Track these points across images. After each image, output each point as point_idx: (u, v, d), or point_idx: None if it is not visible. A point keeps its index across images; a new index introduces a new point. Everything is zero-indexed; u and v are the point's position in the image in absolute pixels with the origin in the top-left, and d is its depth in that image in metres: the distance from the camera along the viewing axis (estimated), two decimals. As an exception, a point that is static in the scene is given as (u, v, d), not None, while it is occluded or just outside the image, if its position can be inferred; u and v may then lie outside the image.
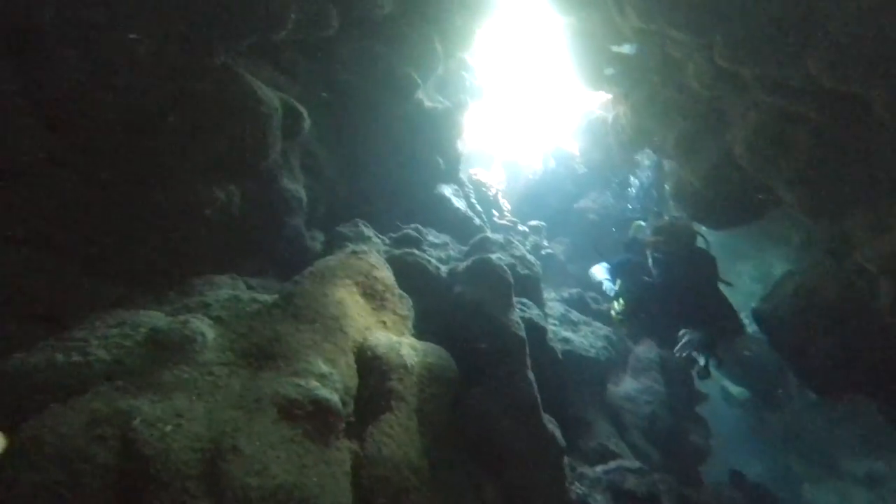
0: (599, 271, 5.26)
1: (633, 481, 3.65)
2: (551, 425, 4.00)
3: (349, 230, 4.28)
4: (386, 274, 3.53)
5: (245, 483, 2.09)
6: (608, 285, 5.11)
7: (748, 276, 9.29)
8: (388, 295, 3.44)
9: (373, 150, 5.49)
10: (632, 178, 8.81)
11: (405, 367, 3.05)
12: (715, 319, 4.40)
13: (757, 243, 8.22)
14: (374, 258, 3.54)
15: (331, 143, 4.78)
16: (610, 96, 7.41)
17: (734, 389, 10.88)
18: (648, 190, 8.36)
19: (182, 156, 3.21)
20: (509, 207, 8.93)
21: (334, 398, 2.59)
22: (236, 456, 2.14)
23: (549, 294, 8.54)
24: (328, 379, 2.67)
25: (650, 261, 4.67)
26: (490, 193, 8.18)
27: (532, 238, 8.79)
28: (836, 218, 4.03)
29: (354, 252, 3.49)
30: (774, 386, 8.27)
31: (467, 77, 6.67)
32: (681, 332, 4.34)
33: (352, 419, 2.80)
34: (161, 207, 3.12)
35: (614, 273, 5.03)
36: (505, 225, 8.48)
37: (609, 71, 5.63)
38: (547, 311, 6.46)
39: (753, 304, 6.46)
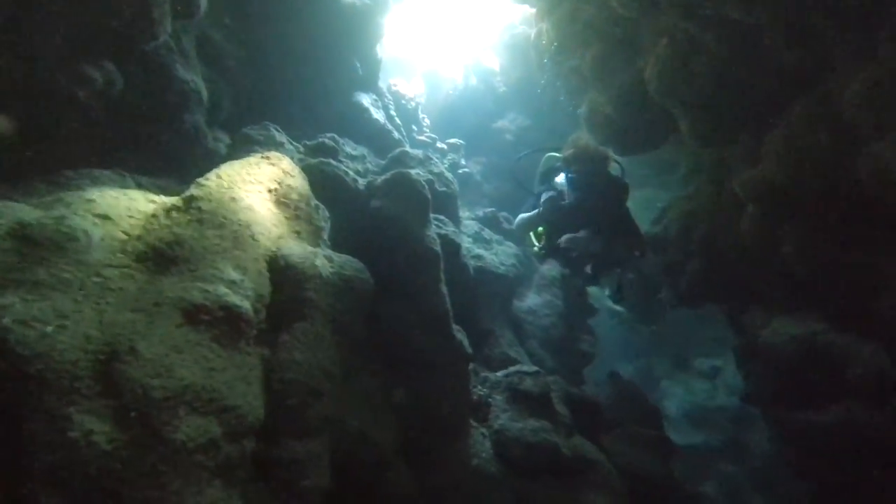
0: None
1: (529, 382, 4.04)
2: (460, 335, 4.24)
3: (258, 133, 3.96)
4: (301, 182, 3.36)
5: (147, 383, 2.02)
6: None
7: (644, 200, 10.09)
8: (302, 204, 3.30)
9: (284, 45, 4.99)
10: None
11: (320, 276, 3.01)
12: (625, 240, 4.65)
13: (652, 170, 8.80)
14: (288, 164, 3.33)
15: (234, 32, 4.25)
16: (534, 10, 7.22)
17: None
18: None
19: (47, 26, 2.70)
20: (429, 123, 8.73)
21: (245, 304, 2.52)
22: (135, 358, 2.04)
23: (464, 212, 8.72)
24: (238, 286, 2.57)
25: (565, 183, 4.78)
26: (410, 107, 7.89)
27: (450, 156, 8.76)
28: (720, 146, 4.42)
29: (266, 157, 3.26)
30: (656, 303, 9.28)
31: (390, -27, 6.13)
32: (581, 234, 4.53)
33: (264, 327, 2.77)
34: (22, 86, 2.64)
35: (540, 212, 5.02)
36: (424, 141, 8.32)
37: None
38: (462, 228, 6.63)
39: (646, 228, 7.09)
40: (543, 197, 4.95)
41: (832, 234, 3.35)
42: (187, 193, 2.81)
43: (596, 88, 5.68)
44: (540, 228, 5.18)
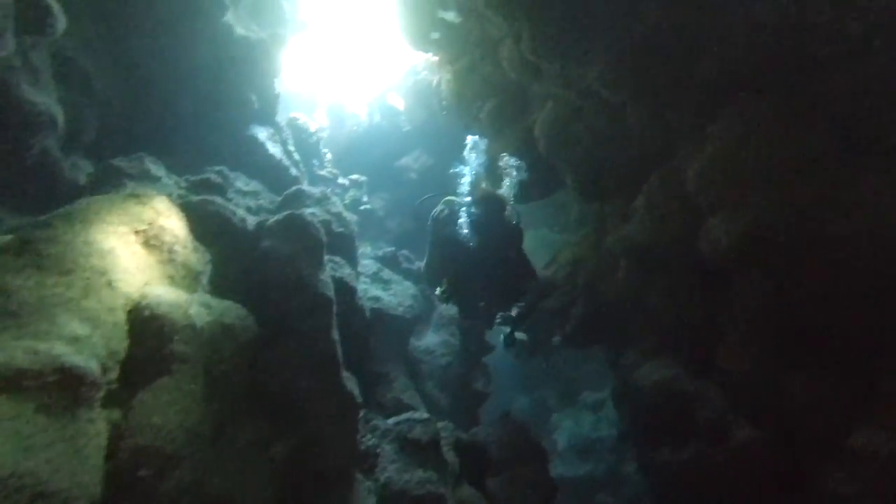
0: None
1: (418, 430, 4.00)
2: (350, 383, 4.11)
3: (130, 166, 3.63)
4: (176, 222, 3.12)
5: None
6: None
7: (539, 239, 10.70)
8: (177, 247, 3.05)
9: (172, 74, 4.69)
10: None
11: (193, 326, 2.78)
12: (520, 283, 4.84)
13: (548, 210, 9.37)
14: (161, 204, 3.09)
15: (106, 54, 3.90)
16: (436, 58, 7.53)
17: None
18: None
19: None
20: (331, 157, 8.62)
21: (90, 364, 2.24)
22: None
23: (364, 249, 8.63)
24: (84, 342, 2.29)
25: (465, 226, 4.86)
26: (311, 141, 7.75)
27: (352, 192, 8.69)
28: (599, 202, 4.87)
29: (134, 195, 2.99)
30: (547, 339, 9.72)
31: (287, 8, 6.05)
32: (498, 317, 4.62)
33: (115, 387, 2.47)
34: None
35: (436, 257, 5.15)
36: (325, 176, 8.18)
37: (435, 35, 5.70)
38: (360, 268, 6.53)
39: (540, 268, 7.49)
40: (437, 235, 5.05)
41: (687, 290, 3.78)
42: (25, 233, 2.48)
43: (493, 138, 6.01)
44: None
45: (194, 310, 2.85)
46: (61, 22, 3.10)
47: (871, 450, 2.54)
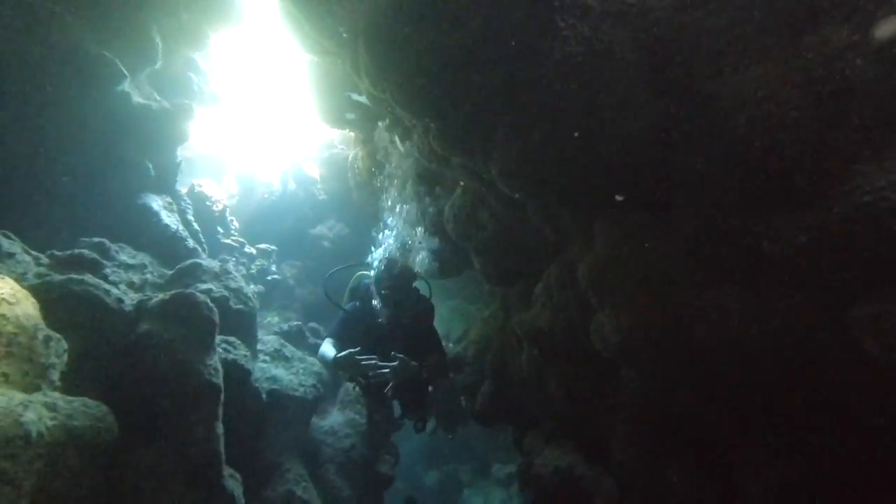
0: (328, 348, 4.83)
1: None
2: (232, 480, 3.71)
3: (-22, 240, 3.20)
4: (22, 309, 2.73)
5: None
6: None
7: (452, 310, 10.73)
8: (19, 339, 2.66)
9: (50, 139, 4.33)
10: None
11: (24, 436, 2.37)
12: (430, 358, 4.58)
13: (460, 282, 9.48)
14: (9, 287, 2.71)
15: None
16: (352, 134, 7.67)
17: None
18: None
19: None
20: (237, 225, 8.26)
21: None
22: None
23: (272, 318, 8.16)
24: None
25: (377, 300, 4.69)
26: (216, 209, 7.41)
27: (259, 261, 8.32)
28: (505, 285, 5.00)
29: (-27, 277, 2.61)
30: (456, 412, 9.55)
31: (196, 80, 5.94)
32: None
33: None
34: None
35: (339, 332, 4.75)
36: (230, 245, 7.80)
37: (350, 115, 5.82)
38: (261, 346, 6.13)
39: (450, 345, 7.45)
40: (345, 309, 4.80)
41: (581, 378, 3.89)
42: None
43: (404, 220, 6.07)
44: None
45: (31, 415, 2.45)
46: None
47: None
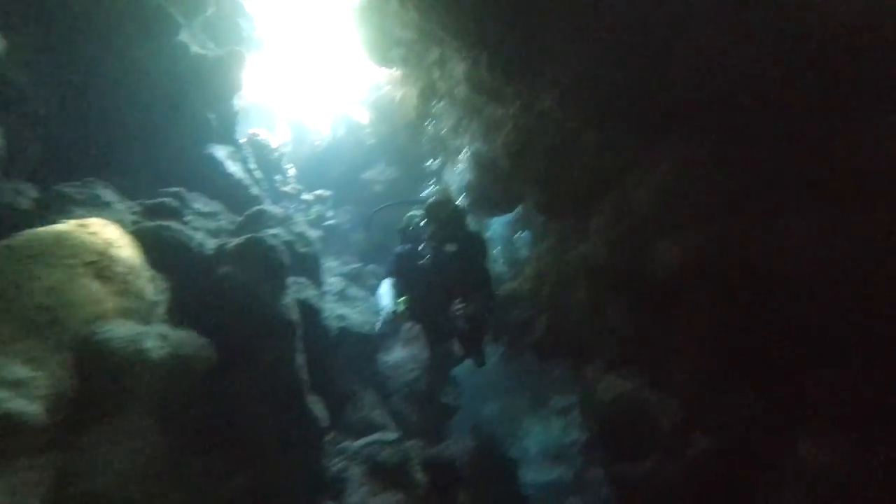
0: (385, 291, 4.84)
1: (387, 453, 3.99)
2: (316, 406, 4.06)
3: (78, 191, 3.50)
4: (129, 252, 3.02)
5: None
6: (386, 310, 4.74)
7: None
8: (130, 278, 2.96)
9: (122, 95, 4.56)
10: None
11: (147, 361, 2.69)
12: (480, 297, 4.57)
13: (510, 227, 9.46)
14: (113, 232, 2.99)
15: (47, 77, 3.76)
16: (399, 73, 7.56)
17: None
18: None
19: None
20: (294, 172, 8.51)
21: (31, 409, 2.14)
22: None
23: (330, 263, 8.53)
24: (27, 385, 2.19)
25: (423, 243, 4.63)
26: (273, 157, 7.64)
27: (316, 207, 8.59)
28: (559, 219, 4.97)
29: (83, 224, 2.89)
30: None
31: (245, 25, 5.98)
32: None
33: (61, 429, 2.37)
34: None
35: (394, 272, 4.76)
36: (289, 192, 8.07)
37: (397, 51, 5.72)
38: (326, 287, 6.46)
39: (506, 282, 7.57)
40: (396, 252, 4.80)
41: (640, 307, 3.90)
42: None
43: (454, 155, 6.06)
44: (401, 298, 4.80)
45: (149, 343, 2.76)
46: (1, 42, 2.98)
47: (812, 459, 2.69)
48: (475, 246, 4.76)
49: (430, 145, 7.54)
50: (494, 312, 5.53)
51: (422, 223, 4.77)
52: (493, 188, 5.98)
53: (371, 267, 8.13)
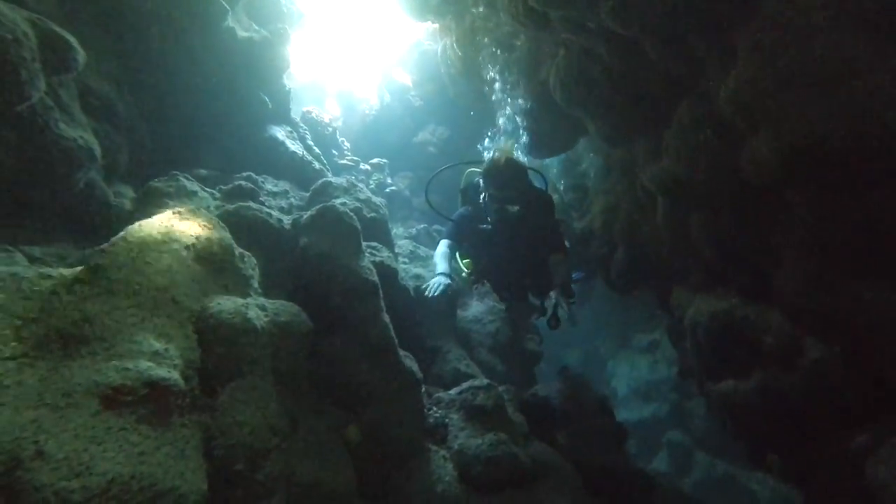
0: (442, 253, 4.63)
1: (482, 397, 4.09)
2: (408, 360, 4.22)
3: (167, 185, 3.76)
4: (220, 233, 3.22)
5: (62, 487, 1.84)
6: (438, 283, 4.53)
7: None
8: (226, 256, 3.16)
9: (182, 88, 4.78)
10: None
11: (255, 329, 2.90)
12: (556, 257, 4.32)
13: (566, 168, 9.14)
14: (205, 217, 3.19)
15: (121, 79, 4.01)
16: (436, 25, 7.37)
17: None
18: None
19: None
20: (349, 146, 8.65)
21: (173, 375, 2.38)
22: (44, 461, 1.86)
23: (396, 230, 8.71)
24: (163, 356, 2.43)
25: (484, 204, 4.38)
26: (327, 132, 7.80)
27: (375, 176, 8.74)
28: (626, 145, 4.72)
29: (179, 212, 3.10)
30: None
31: (283, 1, 6.02)
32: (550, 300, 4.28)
33: (198, 393, 2.63)
34: None
35: (454, 236, 4.54)
36: (346, 165, 8.25)
37: (433, 0, 5.56)
38: (397, 249, 6.61)
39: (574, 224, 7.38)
40: (457, 214, 4.56)
41: (730, 219, 3.67)
42: (92, 263, 2.62)
43: (505, 99, 5.88)
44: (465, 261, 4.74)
45: (252, 313, 2.97)
46: (82, 55, 3.19)
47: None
48: (543, 203, 4.46)
49: (479, 94, 7.36)
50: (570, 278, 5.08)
51: (482, 183, 4.49)
52: (551, 125, 5.79)
53: (436, 227, 8.21)
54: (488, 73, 6.17)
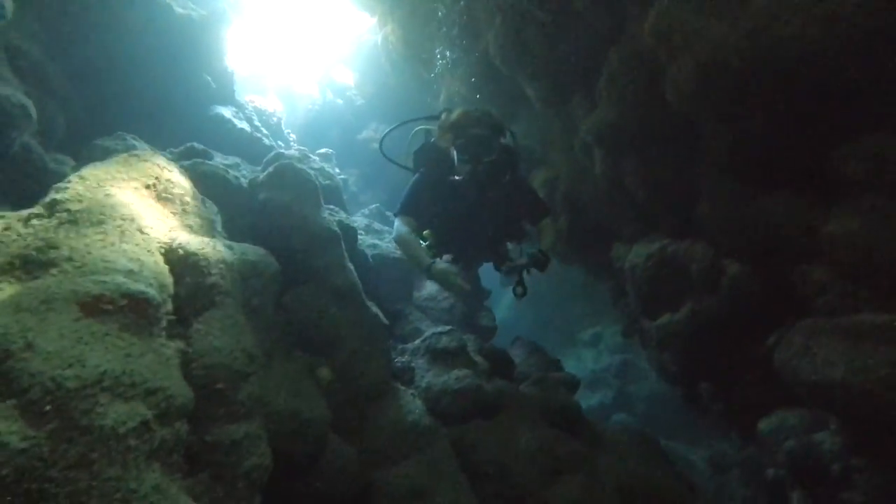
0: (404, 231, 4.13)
1: (445, 340, 4.28)
2: (374, 307, 4.34)
3: (114, 143, 3.71)
4: (180, 177, 3.24)
5: (58, 375, 1.86)
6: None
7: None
8: (187, 198, 3.18)
9: (119, 64, 4.71)
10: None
11: (224, 261, 2.95)
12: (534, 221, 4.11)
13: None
14: (163, 160, 3.20)
15: (54, 50, 3.92)
16: (375, 18, 7.61)
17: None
18: None
19: None
20: (295, 137, 8.66)
21: (150, 291, 2.41)
22: (34, 353, 1.88)
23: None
24: (137, 275, 2.44)
25: (453, 155, 3.86)
26: (272, 121, 7.78)
27: (324, 165, 8.76)
28: (564, 106, 5.12)
29: (136, 154, 3.10)
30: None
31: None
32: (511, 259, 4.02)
33: (173, 318, 2.64)
34: None
35: (411, 208, 4.11)
36: (294, 156, 8.24)
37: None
38: (352, 221, 6.68)
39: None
40: (409, 186, 4.09)
41: (657, 158, 4.09)
42: (47, 199, 2.59)
43: (448, 75, 6.18)
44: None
45: (220, 246, 3.01)
46: (9, 2, 3.12)
47: (843, 233, 2.88)
48: (513, 156, 3.96)
49: (421, 81, 7.63)
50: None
51: (449, 135, 3.93)
52: (492, 97, 6.13)
53: (388, 213, 8.33)
54: (429, 53, 6.45)
